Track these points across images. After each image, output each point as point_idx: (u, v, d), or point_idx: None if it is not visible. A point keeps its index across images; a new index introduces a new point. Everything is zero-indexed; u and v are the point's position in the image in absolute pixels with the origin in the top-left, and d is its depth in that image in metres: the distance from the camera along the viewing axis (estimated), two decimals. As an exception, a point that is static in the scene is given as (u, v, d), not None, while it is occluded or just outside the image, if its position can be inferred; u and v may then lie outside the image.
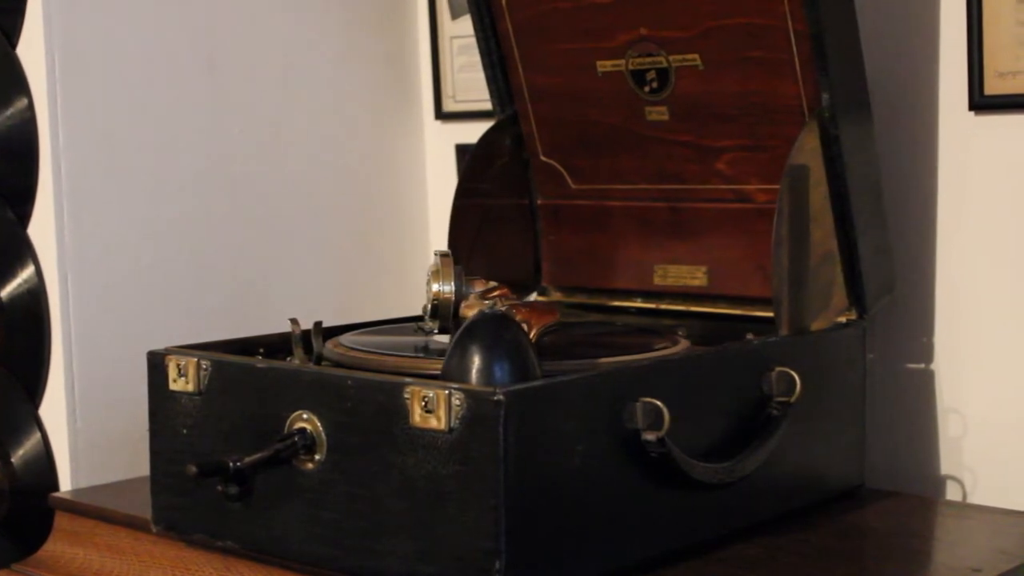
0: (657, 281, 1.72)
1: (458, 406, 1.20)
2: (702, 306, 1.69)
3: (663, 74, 1.64)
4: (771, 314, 1.58)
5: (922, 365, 1.69)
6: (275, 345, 1.53)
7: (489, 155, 1.78)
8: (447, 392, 1.20)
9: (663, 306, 1.72)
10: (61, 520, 1.64)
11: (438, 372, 1.32)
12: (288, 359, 1.49)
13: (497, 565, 1.19)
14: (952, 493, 1.67)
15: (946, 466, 1.68)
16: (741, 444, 1.41)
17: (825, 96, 1.51)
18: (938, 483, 1.68)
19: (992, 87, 1.60)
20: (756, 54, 1.56)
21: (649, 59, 1.64)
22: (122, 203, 1.81)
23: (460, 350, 1.25)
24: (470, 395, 1.19)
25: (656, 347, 1.46)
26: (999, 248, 1.62)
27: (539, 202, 1.82)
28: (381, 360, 1.39)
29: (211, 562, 1.45)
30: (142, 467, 1.77)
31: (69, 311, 1.77)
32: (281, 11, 1.99)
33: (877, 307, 1.60)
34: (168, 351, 1.44)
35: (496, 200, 1.79)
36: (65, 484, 1.78)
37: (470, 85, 2.09)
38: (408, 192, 2.16)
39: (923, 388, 1.69)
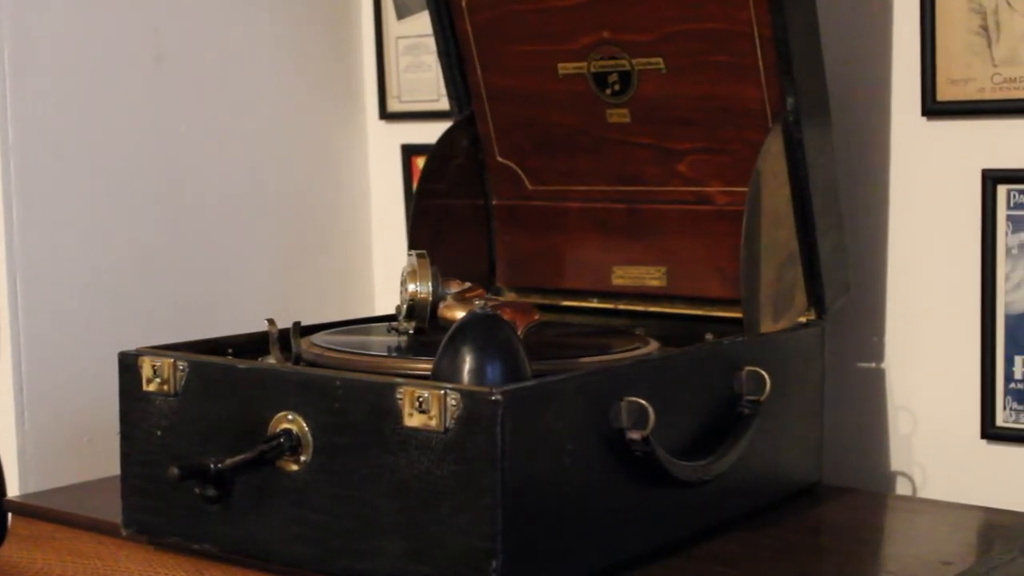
0: (615, 281, 1.74)
1: (454, 406, 1.20)
2: (660, 306, 1.71)
3: (625, 77, 1.66)
4: (730, 314, 1.62)
5: (873, 364, 1.73)
6: (243, 346, 1.52)
7: (446, 155, 1.78)
8: (442, 392, 1.21)
9: (621, 306, 1.74)
10: (16, 524, 1.60)
11: (422, 372, 1.32)
12: (260, 359, 1.48)
13: (493, 564, 1.19)
14: (902, 488, 1.71)
15: (896, 462, 1.72)
16: (712, 442, 1.43)
17: (790, 100, 1.54)
18: (889, 479, 1.72)
19: (944, 93, 1.64)
20: (720, 58, 1.58)
21: (612, 62, 1.66)
22: (71, 204, 1.79)
23: (452, 350, 1.26)
24: (467, 395, 1.20)
25: (630, 347, 1.47)
26: (948, 251, 1.67)
27: (494, 203, 1.83)
28: (364, 360, 1.38)
29: (182, 566, 1.43)
30: (92, 470, 1.76)
31: (18, 313, 1.74)
32: (228, 9, 1.97)
33: (835, 307, 1.63)
34: (140, 352, 1.43)
35: (452, 200, 1.80)
36: (13, 488, 1.74)
37: (415, 85, 2.09)
38: (352, 192, 2.16)
39: (874, 386, 1.73)
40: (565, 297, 1.78)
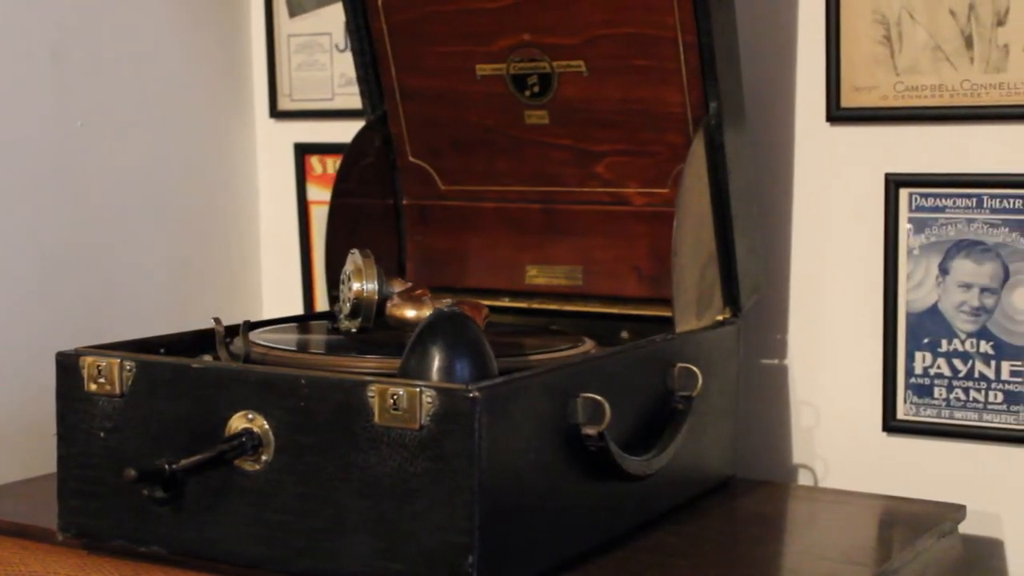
0: (529, 281, 1.76)
1: (429, 403, 1.21)
2: (575, 305, 1.73)
3: (545, 79, 1.68)
4: (645, 312, 1.66)
5: (776, 361, 1.79)
6: (173, 345, 1.49)
7: (358, 155, 1.78)
8: (418, 390, 1.21)
9: (535, 305, 1.76)
10: (-74, 532, 1.55)
11: (379, 369, 1.33)
12: (197, 359, 1.46)
13: (470, 559, 1.20)
14: (804, 480, 1.78)
15: (799, 455, 1.78)
16: (648, 438, 1.46)
17: (713, 105, 1.59)
18: (792, 471, 1.79)
19: (848, 100, 1.71)
20: (642, 62, 1.62)
21: (531, 64, 1.68)
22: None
23: (420, 349, 1.26)
24: (443, 393, 1.21)
25: (572, 345, 1.50)
26: (850, 251, 1.74)
27: (404, 203, 1.83)
28: (320, 360, 1.38)
29: (119, 569, 1.40)
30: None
31: (-86, 312, 1.68)
32: (122, 4, 1.93)
33: (749, 305, 1.69)
34: (81, 351, 1.39)
35: (362, 200, 1.80)
36: (-91, 495, 1.68)
37: (309, 84, 2.07)
38: (241, 191, 2.13)
39: (778, 383, 1.79)
40: (476, 296, 1.79)
